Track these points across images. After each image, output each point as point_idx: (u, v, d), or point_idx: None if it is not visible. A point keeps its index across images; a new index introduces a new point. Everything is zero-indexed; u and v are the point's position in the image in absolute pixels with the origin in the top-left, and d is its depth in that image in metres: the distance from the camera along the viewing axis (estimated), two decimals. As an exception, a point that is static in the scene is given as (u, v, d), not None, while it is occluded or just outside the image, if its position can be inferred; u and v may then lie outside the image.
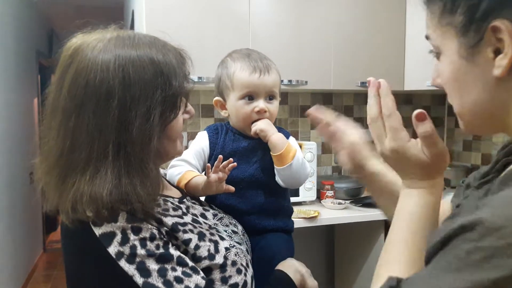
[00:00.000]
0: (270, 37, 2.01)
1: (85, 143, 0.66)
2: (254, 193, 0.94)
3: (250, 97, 0.93)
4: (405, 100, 2.65)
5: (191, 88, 0.76)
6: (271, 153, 0.92)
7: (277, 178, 0.94)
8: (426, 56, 2.21)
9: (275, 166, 0.93)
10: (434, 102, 2.71)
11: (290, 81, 2.03)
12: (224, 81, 0.96)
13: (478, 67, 0.51)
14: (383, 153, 0.62)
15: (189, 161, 0.95)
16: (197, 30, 1.90)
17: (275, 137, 0.91)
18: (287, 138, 0.98)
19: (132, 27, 2.49)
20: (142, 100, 0.67)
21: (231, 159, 0.86)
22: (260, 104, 0.92)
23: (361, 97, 2.55)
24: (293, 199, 1.99)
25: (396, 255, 0.57)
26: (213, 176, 0.85)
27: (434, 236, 0.48)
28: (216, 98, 0.99)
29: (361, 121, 2.75)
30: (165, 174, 0.95)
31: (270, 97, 0.95)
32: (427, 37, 0.59)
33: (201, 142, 0.98)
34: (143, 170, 0.68)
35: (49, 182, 0.70)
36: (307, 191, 2.02)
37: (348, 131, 0.83)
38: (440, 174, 0.60)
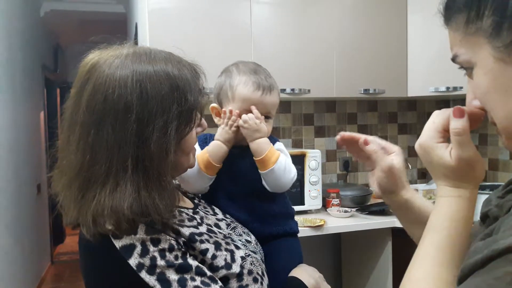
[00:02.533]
0: (272, 47, 2.03)
1: (104, 157, 0.67)
2: (250, 201, 0.95)
3: (247, 111, 0.93)
4: (409, 106, 2.64)
5: (205, 102, 0.78)
6: (254, 157, 0.93)
7: (263, 182, 0.94)
8: (429, 62, 2.24)
9: (259, 171, 0.93)
10: (438, 108, 2.67)
11: (292, 89, 2.04)
12: (225, 90, 0.96)
13: None
14: (415, 145, 0.60)
15: None
16: (199, 41, 1.92)
17: (257, 141, 0.92)
18: (274, 143, 0.98)
19: (135, 39, 2.52)
20: (159, 115, 0.68)
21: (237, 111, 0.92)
22: None
23: (364, 104, 2.55)
24: (298, 208, 1.99)
25: (421, 271, 0.55)
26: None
27: (471, 254, 0.45)
28: (214, 105, 1.00)
29: (365, 128, 2.77)
30: (178, 185, 0.95)
31: (266, 117, 0.95)
32: (453, 59, 0.54)
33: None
34: (161, 183, 0.70)
35: (68, 195, 0.71)
36: (312, 200, 2.01)
37: (389, 155, 0.75)
38: (469, 183, 0.56)
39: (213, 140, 0.97)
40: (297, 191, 1.99)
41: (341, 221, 1.94)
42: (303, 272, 0.90)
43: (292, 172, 0.95)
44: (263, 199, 0.96)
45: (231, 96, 0.95)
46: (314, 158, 2.00)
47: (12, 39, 3.21)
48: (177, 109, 0.70)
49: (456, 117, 0.55)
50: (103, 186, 0.67)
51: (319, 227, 1.83)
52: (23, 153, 3.43)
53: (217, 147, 0.93)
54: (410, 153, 2.65)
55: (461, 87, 2.10)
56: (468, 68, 0.53)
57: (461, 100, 2.63)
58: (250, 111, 0.93)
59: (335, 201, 2.06)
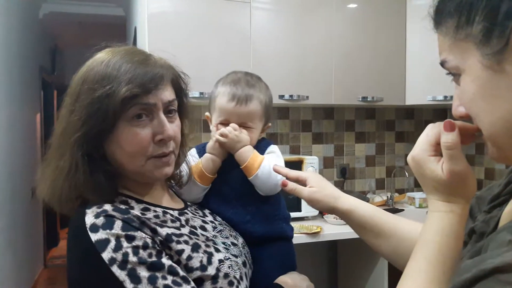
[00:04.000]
0: (271, 53, 2.03)
1: (61, 137, 0.77)
2: (245, 202, 0.96)
3: (225, 123, 0.96)
4: (407, 115, 2.65)
5: (150, 105, 0.75)
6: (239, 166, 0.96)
7: (255, 187, 0.96)
8: (427, 71, 2.24)
9: (247, 177, 0.95)
10: (435, 116, 2.71)
11: (291, 96, 2.04)
12: (211, 101, 1.00)
13: (508, 75, 0.47)
14: (407, 158, 0.60)
15: None
16: (199, 46, 1.92)
17: (239, 151, 0.94)
18: (267, 146, 1.00)
19: (134, 43, 2.52)
20: (84, 97, 0.74)
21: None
22: None
23: (362, 112, 2.55)
24: (295, 214, 1.98)
25: (412, 286, 0.54)
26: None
27: (461, 272, 0.45)
28: (207, 113, 1.03)
29: (363, 135, 2.77)
30: (171, 185, 0.96)
31: (246, 126, 0.96)
32: (442, 64, 0.54)
33: (192, 155, 1.03)
34: (58, 161, 0.76)
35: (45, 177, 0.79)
36: (309, 206, 2.00)
37: (300, 187, 0.87)
38: (460, 198, 0.55)
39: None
40: (294, 197, 1.97)
41: (337, 228, 1.93)
42: (290, 281, 0.89)
43: (279, 175, 0.95)
44: (256, 201, 0.96)
45: (213, 106, 0.98)
46: (311, 164, 2.00)
47: (9, 39, 3.20)
48: (103, 97, 0.72)
49: (446, 130, 0.54)
50: (53, 163, 0.77)
51: (315, 234, 1.83)
52: (18, 156, 3.40)
53: (209, 160, 0.95)
54: (407, 161, 2.65)
55: (459, 96, 2.11)
56: (456, 74, 0.53)
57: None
58: (229, 122, 0.95)
59: (332, 208, 2.05)
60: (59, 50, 5.35)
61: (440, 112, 2.71)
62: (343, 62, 2.15)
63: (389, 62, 2.23)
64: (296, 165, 1.98)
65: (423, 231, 0.57)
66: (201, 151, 1.00)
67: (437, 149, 0.56)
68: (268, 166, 0.93)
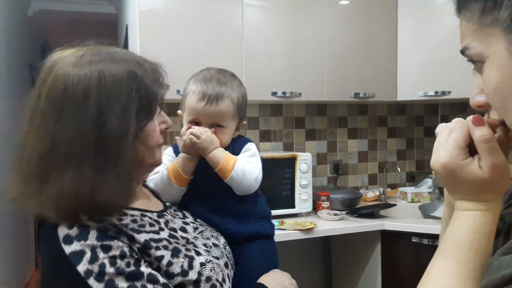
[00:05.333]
0: (263, 50, 2.03)
1: (64, 143, 0.67)
2: (223, 201, 0.96)
3: (196, 122, 0.95)
4: (398, 111, 2.67)
5: (162, 97, 0.79)
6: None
7: (232, 188, 0.96)
8: (418, 66, 2.26)
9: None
10: (427, 112, 2.73)
11: (284, 93, 2.04)
12: (182, 99, 0.98)
13: None
14: (433, 166, 0.55)
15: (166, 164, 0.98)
16: (190, 43, 1.91)
17: (211, 154, 0.93)
18: (243, 145, 0.99)
19: (126, 41, 2.50)
20: (117, 99, 0.69)
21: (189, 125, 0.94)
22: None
23: (354, 108, 2.56)
24: (289, 211, 1.99)
25: (438, 283, 0.51)
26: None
27: (495, 269, 0.43)
28: (179, 111, 1.01)
29: (355, 132, 2.78)
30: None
31: (218, 125, 0.95)
32: (463, 51, 0.51)
33: (169, 154, 1.01)
34: (119, 168, 0.69)
35: (27, 190, 0.71)
36: (303, 203, 2.01)
37: None
38: (498, 195, 0.53)
39: None
40: (287, 194, 1.99)
41: (331, 224, 1.94)
42: (272, 279, 0.89)
43: (254, 173, 0.94)
44: (234, 201, 0.96)
45: (184, 104, 0.97)
46: (305, 161, 2.00)
47: (-1, 38, 3.16)
48: (136, 95, 0.71)
49: (477, 125, 0.51)
50: (63, 172, 0.67)
51: (309, 230, 1.83)
52: (6, 155, 3.36)
53: (185, 159, 0.94)
54: (399, 156, 2.67)
55: (450, 92, 2.13)
56: (478, 62, 0.50)
57: (450, 105, 2.67)
58: (199, 122, 0.94)
59: (325, 204, 2.06)
60: (49, 48, 5.29)
61: (431, 107, 2.73)
62: (335, 59, 2.15)
63: (380, 58, 2.24)
64: (289, 162, 1.99)
65: (452, 229, 0.54)
66: (177, 150, 0.98)
67: (467, 152, 0.53)
68: (242, 166, 0.92)
